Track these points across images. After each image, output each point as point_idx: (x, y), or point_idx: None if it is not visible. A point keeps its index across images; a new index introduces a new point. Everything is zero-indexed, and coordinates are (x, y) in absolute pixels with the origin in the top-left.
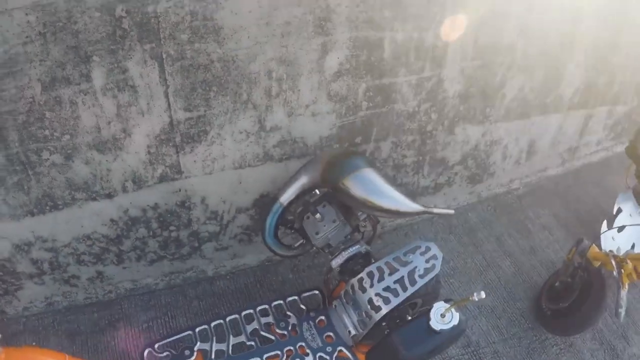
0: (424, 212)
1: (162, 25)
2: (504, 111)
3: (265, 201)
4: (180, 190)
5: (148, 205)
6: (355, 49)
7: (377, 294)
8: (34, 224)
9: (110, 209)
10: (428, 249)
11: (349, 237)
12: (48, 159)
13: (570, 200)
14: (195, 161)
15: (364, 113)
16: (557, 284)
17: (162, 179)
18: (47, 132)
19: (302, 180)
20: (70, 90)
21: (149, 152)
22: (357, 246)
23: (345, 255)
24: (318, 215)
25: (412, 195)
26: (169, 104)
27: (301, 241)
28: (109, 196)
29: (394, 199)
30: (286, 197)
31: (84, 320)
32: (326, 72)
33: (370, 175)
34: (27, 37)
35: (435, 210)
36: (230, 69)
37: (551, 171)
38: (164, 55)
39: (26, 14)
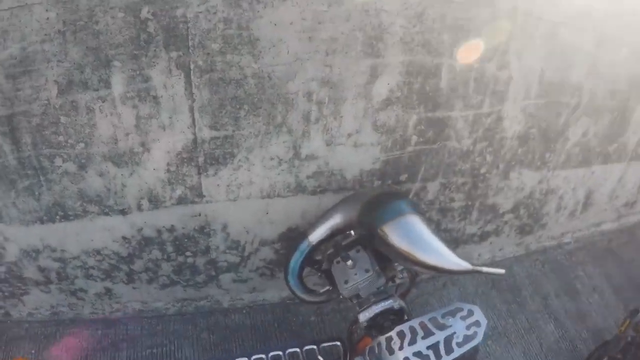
0: (472, 272)
1: (191, 32)
2: (565, 157)
3: (292, 236)
4: (200, 215)
5: (164, 227)
6: (409, 75)
7: (406, 358)
8: (43, 231)
9: (123, 226)
10: (471, 313)
11: (381, 288)
12: (61, 166)
13: (625, 260)
14: (218, 185)
15: (413, 148)
16: (605, 359)
17: (181, 200)
18: (61, 138)
19: (336, 219)
20: (87, 95)
21: (168, 171)
22: (389, 301)
23: (375, 309)
24: (350, 262)
25: (455, 242)
26: (193, 120)
27: (327, 288)
28: (123, 213)
29: (439, 254)
30: (316, 236)
31: (87, 336)
32: (374, 99)
33: (415, 223)
34: (45, 34)
35: (485, 270)
36: (265, 87)
37: (606, 226)
38: (192, 66)
39: (46, 10)
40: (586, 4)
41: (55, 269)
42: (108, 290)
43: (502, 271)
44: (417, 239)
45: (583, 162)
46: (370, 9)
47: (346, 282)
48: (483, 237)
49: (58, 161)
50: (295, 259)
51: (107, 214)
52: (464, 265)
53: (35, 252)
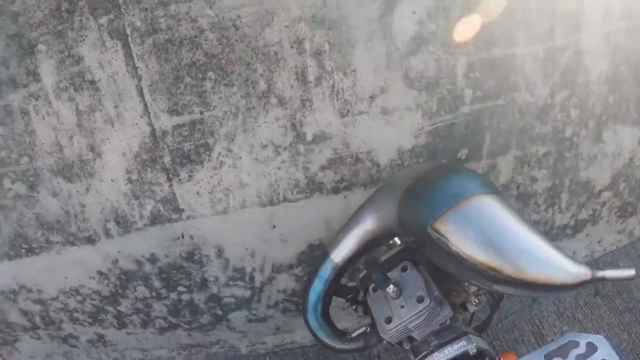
0: (593, 282)
1: None
2: None
3: (316, 255)
4: (183, 237)
5: (142, 257)
6: None
7: None
8: (14, 269)
9: (95, 257)
10: (593, 348)
11: (447, 323)
12: (11, 188)
13: None
14: (198, 193)
15: (469, 108)
16: None
17: (155, 219)
18: (3, 154)
19: (367, 225)
20: (18, 95)
21: (129, 180)
22: (461, 342)
23: (439, 358)
24: (391, 289)
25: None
26: (145, 105)
27: (363, 328)
28: (90, 241)
29: (537, 257)
30: (341, 253)
31: None
32: (398, 38)
33: (489, 209)
34: None
35: (610, 275)
36: (231, 41)
37: None
38: (128, 30)
39: None
40: None
41: (38, 312)
42: (100, 337)
43: (633, 272)
44: (495, 235)
45: None
46: None
47: (389, 320)
48: (577, 227)
49: (7, 182)
50: (315, 289)
51: (73, 243)
52: (582, 272)
53: (12, 293)
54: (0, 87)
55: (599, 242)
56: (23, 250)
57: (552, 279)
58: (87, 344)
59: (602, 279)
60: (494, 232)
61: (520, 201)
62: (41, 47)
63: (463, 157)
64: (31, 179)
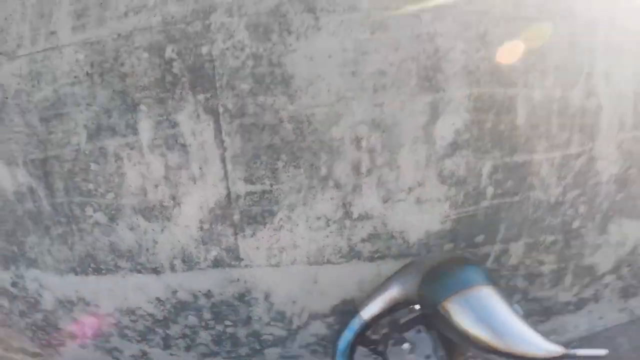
0: (564, 358)
1: (218, 71)
2: None
3: (347, 310)
4: (238, 280)
5: (200, 292)
6: (477, 112)
7: None
8: (77, 283)
9: (157, 286)
10: None
11: None
12: (92, 215)
13: None
14: (257, 248)
15: (489, 202)
16: None
17: (217, 263)
18: (91, 186)
19: (393, 292)
20: (115, 141)
21: (201, 228)
22: None
23: None
24: (406, 346)
25: (546, 313)
26: (225, 172)
27: None
28: (156, 271)
29: (520, 337)
30: (370, 311)
31: None
32: (437, 144)
33: (486, 298)
34: (75, 77)
35: (581, 354)
36: (304, 133)
37: None
38: (221, 109)
39: (75, 52)
40: None
41: (90, 323)
42: (144, 354)
43: (604, 352)
44: (489, 318)
45: None
46: (422, 33)
47: None
48: (579, 305)
49: (89, 210)
50: (345, 339)
51: (139, 271)
52: (553, 349)
53: (70, 303)
54: (100, 131)
55: (600, 318)
56: (90, 269)
57: (531, 353)
58: (129, 358)
59: (574, 356)
60: (489, 316)
61: (528, 280)
62: (143, 107)
63: (480, 242)
64: (113, 212)
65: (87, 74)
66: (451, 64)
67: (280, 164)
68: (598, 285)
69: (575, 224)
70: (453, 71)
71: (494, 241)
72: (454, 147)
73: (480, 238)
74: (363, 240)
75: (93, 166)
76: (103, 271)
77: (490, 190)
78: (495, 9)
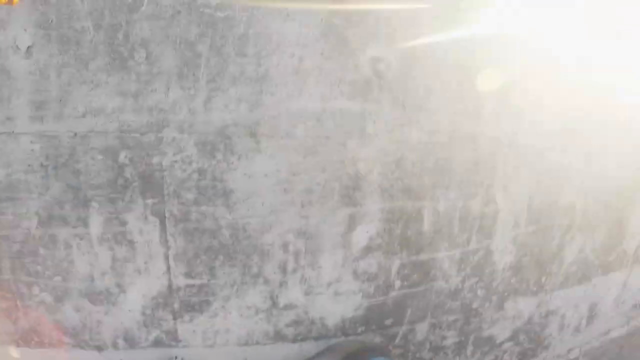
0: None
1: (166, 181)
2: (562, 278)
3: None
4: (176, 358)
5: None
6: (389, 222)
7: None
8: (21, 356)
9: None
10: None
11: None
12: (37, 295)
13: None
14: (194, 331)
15: (397, 293)
16: None
17: (157, 343)
18: (39, 268)
19: None
20: (66, 231)
21: (144, 313)
22: None
23: None
24: None
25: None
26: (168, 267)
27: None
28: (98, 348)
29: None
30: None
31: None
32: (353, 248)
33: None
34: (29, 165)
35: None
36: (240, 238)
37: (615, 333)
38: (167, 214)
39: (31, 142)
40: (569, 122)
41: None
42: None
43: None
44: None
45: (582, 278)
46: (346, 159)
47: None
48: None
49: (35, 289)
50: None
51: (82, 347)
52: None
53: None
54: (51, 220)
55: None
56: (33, 342)
57: None
58: None
59: None
60: None
61: (432, 352)
62: (94, 204)
63: (389, 324)
64: (59, 294)
65: (42, 165)
66: (368, 184)
67: (217, 263)
68: (497, 352)
69: (474, 305)
70: (370, 189)
71: (401, 323)
72: (368, 250)
73: (389, 321)
74: (287, 325)
75: (42, 250)
76: (46, 345)
77: (398, 283)
78: (412, 137)
